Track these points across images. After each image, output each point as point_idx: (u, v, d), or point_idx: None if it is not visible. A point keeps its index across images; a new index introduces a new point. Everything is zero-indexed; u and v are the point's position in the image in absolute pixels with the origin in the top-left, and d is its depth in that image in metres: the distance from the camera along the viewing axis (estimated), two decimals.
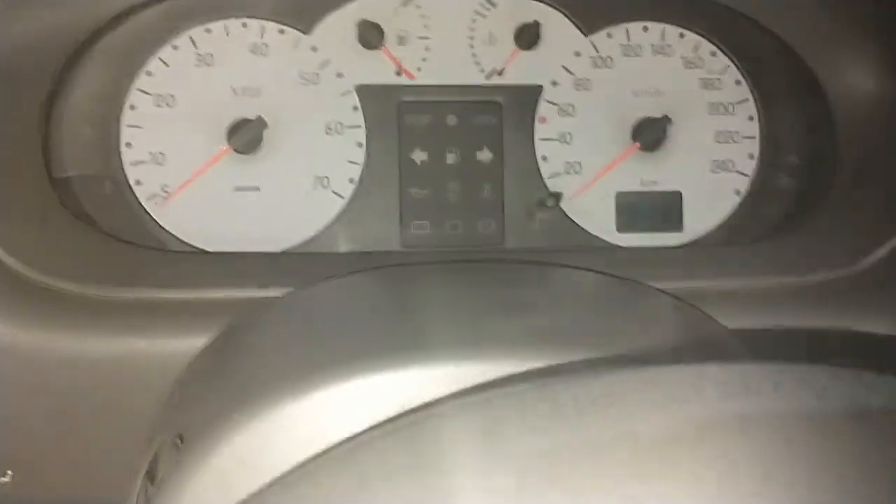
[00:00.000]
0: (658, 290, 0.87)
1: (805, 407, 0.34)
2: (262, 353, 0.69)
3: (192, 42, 1.02)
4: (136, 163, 1.01)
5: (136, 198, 1.01)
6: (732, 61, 1.07)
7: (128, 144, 1.01)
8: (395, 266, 0.85)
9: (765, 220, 1.07)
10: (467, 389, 0.51)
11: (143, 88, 1.01)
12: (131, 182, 1.01)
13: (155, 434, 0.72)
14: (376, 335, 0.64)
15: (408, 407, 0.58)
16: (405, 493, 0.35)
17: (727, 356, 0.66)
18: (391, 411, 0.58)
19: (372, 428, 0.48)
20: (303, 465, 0.43)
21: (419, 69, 1.05)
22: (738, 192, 1.07)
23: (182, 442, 0.63)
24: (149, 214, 1.01)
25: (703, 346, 0.65)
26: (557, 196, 1.04)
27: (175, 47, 1.02)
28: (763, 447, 0.32)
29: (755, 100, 1.07)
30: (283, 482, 0.41)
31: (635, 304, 0.78)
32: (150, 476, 0.66)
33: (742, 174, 1.07)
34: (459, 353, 0.59)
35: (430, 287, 0.79)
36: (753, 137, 1.07)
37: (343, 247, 1.03)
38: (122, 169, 1.01)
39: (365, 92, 1.04)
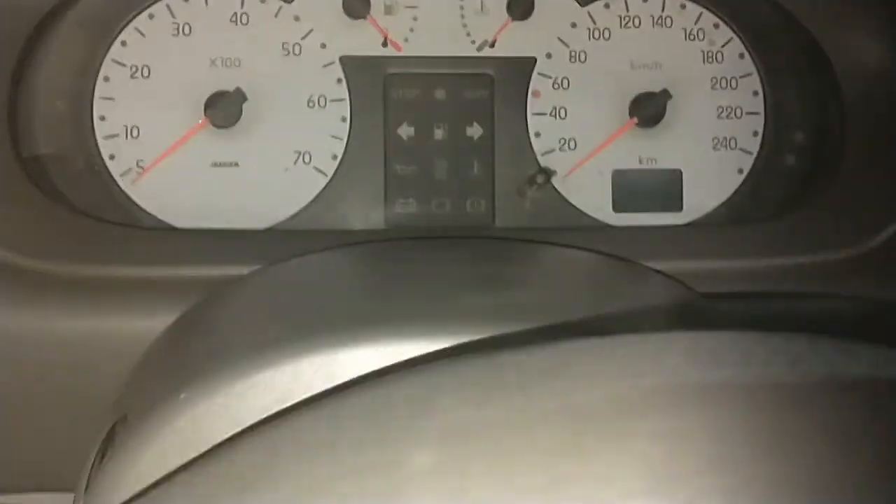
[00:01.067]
0: (646, 266, 0.83)
1: (774, 376, 0.29)
2: (215, 333, 0.65)
3: (170, 11, 0.98)
4: (110, 136, 0.97)
5: (109, 173, 0.97)
6: (735, 33, 1.02)
7: (101, 118, 0.97)
8: (368, 242, 0.81)
9: (769, 199, 1.02)
10: (407, 361, 0.47)
11: (118, 59, 0.97)
12: (105, 157, 0.97)
13: (111, 413, 0.69)
14: (335, 312, 0.60)
15: None
16: (318, 472, 0.30)
17: (694, 325, 0.62)
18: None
19: (298, 404, 0.44)
20: (220, 444, 0.39)
21: (406, 40, 1.00)
22: (741, 171, 1.02)
23: (126, 421, 0.59)
24: (123, 190, 0.97)
25: (673, 315, 0.60)
26: (548, 173, 0.99)
27: (151, 16, 0.98)
28: (722, 419, 0.27)
29: (759, 74, 1.02)
30: (197, 462, 0.37)
31: (618, 279, 0.74)
32: (101, 455, 0.63)
33: (745, 152, 1.02)
34: (421, 328, 0.55)
35: (400, 263, 0.74)
36: (757, 113, 1.02)
37: (325, 226, 0.98)
38: (96, 143, 0.97)
39: (349, 64, 0.99)
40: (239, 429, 0.51)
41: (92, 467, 0.64)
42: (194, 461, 0.41)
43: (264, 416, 0.53)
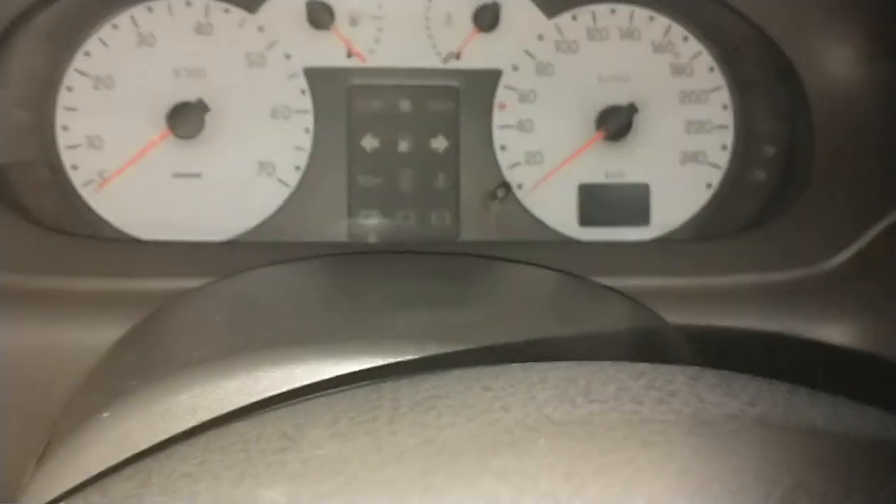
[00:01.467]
0: (609, 288, 0.81)
1: (644, 413, 0.28)
2: (149, 351, 0.64)
3: (133, 21, 0.97)
4: (72, 147, 0.97)
5: (71, 183, 0.97)
6: (705, 47, 1.01)
7: (64, 128, 0.97)
8: (318, 257, 0.80)
9: (737, 214, 1.01)
10: (302, 388, 0.46)
11: (81, 69, 0.97)
12: (67, 167, 0.97)
13: (51, 428, 0.68)
14: (263, 331, 0.59)
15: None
16: None
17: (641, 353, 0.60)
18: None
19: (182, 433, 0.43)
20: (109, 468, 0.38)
21: (371, 51, 0.99)
22: (709, 185, 1.01)
23: (51, 444, 0.59)
24: (84, 201, 0.96)
25: (617, 341, 0.59)
26: (508, 186, 0.98)
27: (115, 26, 0.97)
28: (576, 457, 0.26)
29: (729, 88, 1.01)
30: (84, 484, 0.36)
31: (567, 299, 0.73)
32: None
33: (714, 166, 1.01)
34: (338, 348, 0.54)
35: (346, 279, 0.73)
36: (726, 127, 1.01)
37: (287, 238, 0.97)
38: (58, 153, 0.96)
39: (313, 75, 0.98)
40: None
41: (27, 481, 0.63)
42: (83, 484, 0.40)
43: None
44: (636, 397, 0.30)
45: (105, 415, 0.55)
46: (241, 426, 0.35)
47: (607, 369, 0.33)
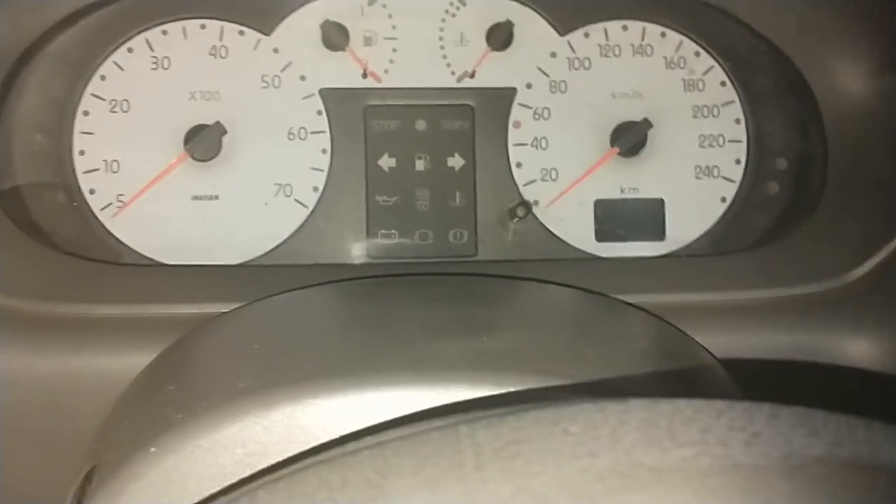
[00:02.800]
0: (642, 309, 0.81)
1: (731, 457, 0.29)
2: (186, 379, 0.64)
3: (148, 44, 0.97)
4: (90, 171, 0.97)
5: (89, 208, 0.96)
6: (717, 61, 1.02)
7: (81, 152, 0.97)
8: (349, 280, 0.80)
9: (752, 228, 1.02)
10: (365, 430, 0.46)
11: (97, 93, 0.97)
12: (84, 191, 0.96)
13: (85, 459, 0.68)
14: (312, 359, 0.59)
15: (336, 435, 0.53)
16: None
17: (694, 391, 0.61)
18: (319, 440, 0.54)
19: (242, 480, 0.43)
20: None
21: (386, 71, 1.00)
22: (723, 199, 1.02)
23: (95, 475, 0.59)
24: (102, 225, 0.96)
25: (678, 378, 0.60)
26: (528, 206, 0.98)
27: (130, 50, 0.97)
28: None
29: (741, 102, 1.02)
30: None
31: (610, 324, 0.73)
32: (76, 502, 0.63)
33: (728, 180, 1.02)
34: (394, 378, 0.54)
35: (381, 304, 0.74)
36: (740, 141, 1.02)
37: (306, 258, 0.98)
38: (75, 177, 0.96)
39: (329, 95, 0.99)
40: (209, 483, 0.50)
41: None
42: None
43: (235, 470, 0.52)
44: (723, 440, 0.30)
45: (152, 449, 0.55)
46: (321, 471, 0.35)
47: (684, 409, 0.33)
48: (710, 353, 0.75)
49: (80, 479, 0.64)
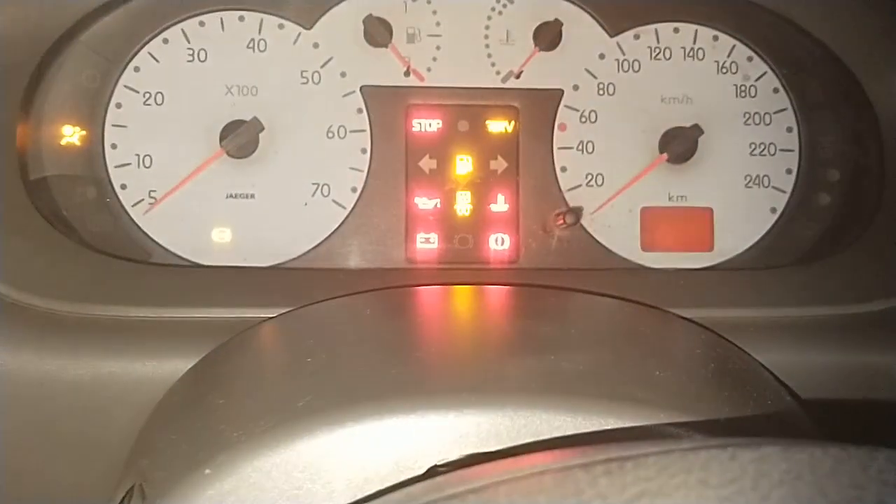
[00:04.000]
0: (709, 330, 0.78)
1: None
2: (238, 390, 0.61)
3: (185, 35, 0.94)
4: (121, 165, 0.93)
5: (120, 203, 0.93)
6: (770, 67, 0.99)
7: (112, 145, 0.93)
8: (395, 288, 0.77)
9: (802, 240, 0.99)
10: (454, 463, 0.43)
11: (130, 85, 0.94)
12: (115, 186, 0.93)
13: (126, 470, 0.65)
14: (371, 374, 0.56)
15: (402, 461, 0.50)
16: None
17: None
18: (384, 466, 0.51)
19: None
20: None
21: (429, 70, 0.97)
22: (773, 210, 0.99)
23: (145, 492, 0.55)
24: (133, 222, 0.93)
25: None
26: (577, 212, 0.95)
27: (165, 41, 0.94)
28: None
29: (794, 109, 0.99)
30: None
31: (676, 348, 0.70)
32: None
33: (779, 190, 0.98)
34: (462, 400, 0.51)
35: (434, 315, 0.70)
36: (792, 150, 0.99)
37: (343, 262, 0.95)
38: (106, 172, 0.93)
39: (370, 93, 0.95)
40: None
41: None
42: None
43: (295, 495, 0.49)
44: (879, 497, 0.27)
45: (207, 471, 0.52)
46: None
47: (822, 458, 0.30)
48: (777, 378, 0.72)
49: (120, 495, 0.61)
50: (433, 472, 0.47)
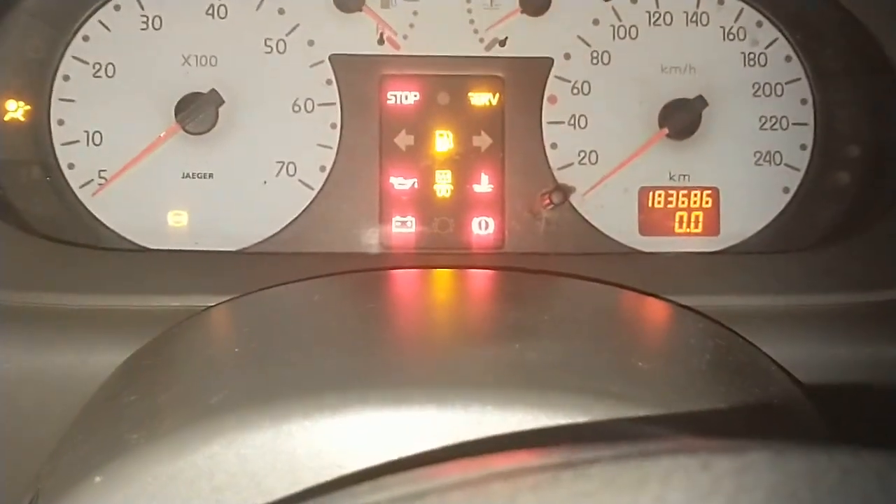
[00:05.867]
0: (701, 315, 0.69)
1: None
2: (152, 385, 0.53)
3: (138, 2, 0.87)
4: (69, 143, 0.87)
5: (67, 184, 0.86)
6: (782, 33, 0.90)
7: (59, 121, 0.87)
8: (355, 272, 0.69)
9: (818, 223, 0.90)
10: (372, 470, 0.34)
11: (79, 56, 0.87)
12: (62, 166, 0.87)
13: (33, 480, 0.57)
14: (302, 367, 0.48)
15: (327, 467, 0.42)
16: None
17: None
18: (306, 473, 0.42)
19: None
20: None
21: (405, 37, 0.89)
22: (786, 190, 0.90)
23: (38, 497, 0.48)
24: (82, 204, 0.86)
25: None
26: (566, 191, 0.87)
27: (117, 7, 0.87)
28: None
29: (809, 79, 0.90)
30: None
31: (669, 334, 0.61)
32: None
33: (792, 168, 0.90)
34: (404, 394, 0.43)
35: (390, 300, 0.62)
36: (806, 124, 0.90)
37: (310, 247, 0.87)
38: (53, 150, 0.86)
39: (341, 63, 0.88)
40: None
41: None
42: None
43: None
44: None
45: (97, 479, 0.43)
46: None
47: (826, 465, 0.22)
48: (782, 367, 0.63)
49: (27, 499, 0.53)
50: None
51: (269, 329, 0.58)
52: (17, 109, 0.86)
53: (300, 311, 0.62)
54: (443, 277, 0.69)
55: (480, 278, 0.69)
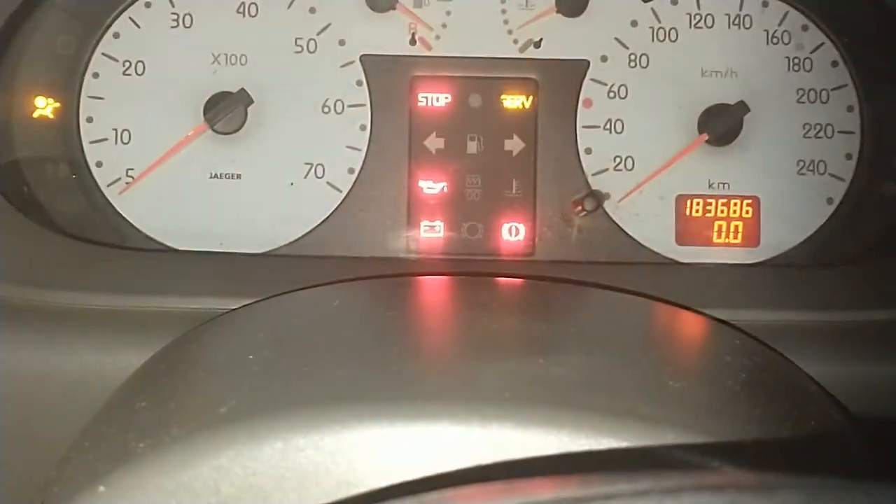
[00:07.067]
0: (745, 334, 0.67)
1: None
2: (163, 391, 0.52)
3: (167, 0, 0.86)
4: (97, 141, 0.86)
5: (95, 182, 0.86)
6: (828, 37, 0.87)
7: (88, 119, 0.86)
8: (378, 278, 0.67)
9: (862, 236, 0.87)
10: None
11: (109, 53, 0.86)
12: (90, 164, 0.86)
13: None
14: (315, 377, 0.46)
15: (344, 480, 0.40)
16: None
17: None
18: (319, 487, 0.41)
19: None
20: None
21: (438, 37, 0.87)
22: (830, 201, 0.87)
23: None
24: (109, 202, 0.86)
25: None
26: (599, 197, 0.85)
27: (148, 4, 0.87)
28: None
29: (855, 86, 0.87)
30: None
31: (703, 351, 0.58)
32: None
33: (836, 178, 0.87)
34: (415, 409, 0.41)
35: (412, 309, 0.60)
36: (852, 133, 0.87)
37: (337, 250, 0.86)
38: (81, 148, 0.86)
39: (371, 63, 0.86)
40: None
41: None
42: None
43: None
44: None
45: (101, 488, 0.42)
46: None
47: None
48: (825, 390, 0.60)
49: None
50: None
51: (284, 336, 0.57)
52: (46, 106, 0.86)
53: (316, 319, 0.60)
54: (465, 286, 0.67)
55: (505, 287, 0.66)
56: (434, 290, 0.66)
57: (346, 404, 0.43)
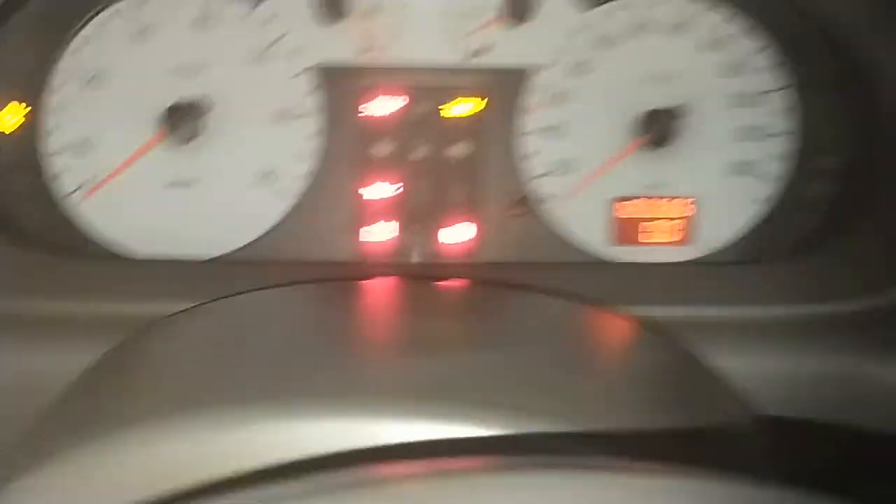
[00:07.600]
0: (656, 331, 0.70)
1: None
2: (72, 397, 0.55)
3: (126, 13, 0.88)
4: (57, 152, 0.88)
5: (53, 192, 0.88)
6: (764, 43, 0.90)
7: (49, 130, 0.88)
8: (318, 281, 0.71)
9: (793, 234, 0.90)
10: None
11: (69, 64, 0.88)
12: (51, 173, 0.88)
13: None
14: (233, 378, 0.50)
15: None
16: None
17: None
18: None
19: None
20: None
21: (388, 47, 0.89)
22: (762, 200, 0.90)
23: None
24: (67, 211, 0.88)
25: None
26: (538, 200, 0.88)
27: (108, 17, 0.88)
28: None
29: (789, 89, 0.90)
30: None
31: (614, 351, 0.62)
32: None
33: (768, 178, 0.90)
34: (332, 405, 0.44)
35: (348, 307, 0.64)
36: (785, 135, 0.90)
37: (288, 254, 0.89)
38: (41, 158, 0.88)
39: (322, 73, 0.89)
40: None
41: None
42: None
43: None
44: None
45: (10, 484, 0.45)
46: None
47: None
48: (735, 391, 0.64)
49: None
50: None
51: (216, 339, 0.60)
52: (6, 118, 0.88)
53: (255, 320, 0.64)
54: (389, 289, 0.70)
55: (429, 289, 0.70)
56: (358, 293, 0.70)
57: (245, 405, 0.46)
